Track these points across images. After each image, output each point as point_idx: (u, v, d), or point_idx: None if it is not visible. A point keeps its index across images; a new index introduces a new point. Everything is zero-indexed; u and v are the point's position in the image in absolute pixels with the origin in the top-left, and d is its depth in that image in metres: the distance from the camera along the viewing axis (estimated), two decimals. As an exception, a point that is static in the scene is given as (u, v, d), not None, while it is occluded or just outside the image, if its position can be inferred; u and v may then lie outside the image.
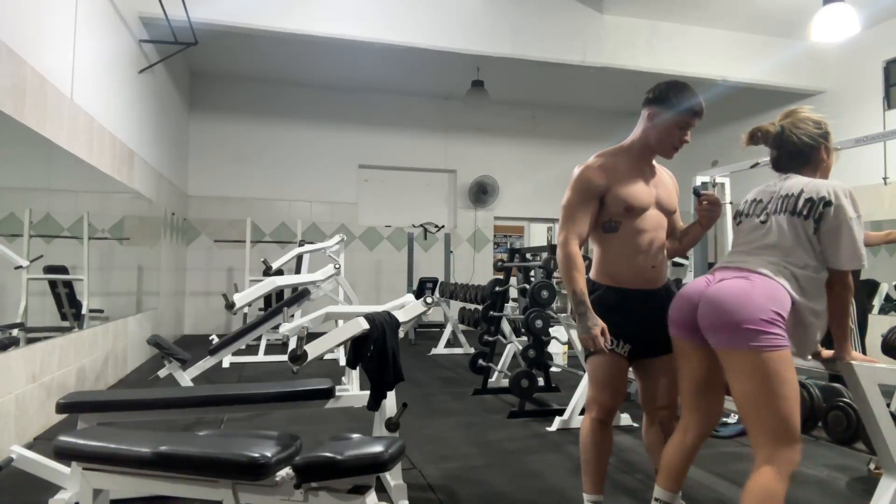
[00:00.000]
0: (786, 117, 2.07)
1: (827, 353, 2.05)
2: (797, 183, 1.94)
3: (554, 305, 4.67)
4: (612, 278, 2.23)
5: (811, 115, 2.05)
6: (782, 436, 1.75)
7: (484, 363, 5.09)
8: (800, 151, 2.01)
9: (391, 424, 2.35)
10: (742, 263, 1.92)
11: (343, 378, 4.15)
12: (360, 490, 1.78)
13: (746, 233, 2.01)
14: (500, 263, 6.87)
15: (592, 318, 2.12)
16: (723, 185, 4.23)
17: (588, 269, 2.27)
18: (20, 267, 3.61)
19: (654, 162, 2.32)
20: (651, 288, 2.23)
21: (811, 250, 1.86)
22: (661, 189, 2.26)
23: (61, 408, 2.50)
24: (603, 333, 2.11)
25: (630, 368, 2.30)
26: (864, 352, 4.61)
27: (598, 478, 2.23)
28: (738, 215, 2.10)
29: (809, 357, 1.96)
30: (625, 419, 4.04)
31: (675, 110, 2.15)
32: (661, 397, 2.24)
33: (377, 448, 1.77)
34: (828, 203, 1.84)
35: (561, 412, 4.06)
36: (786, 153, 2.04)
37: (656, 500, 2.09)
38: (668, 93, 2.17)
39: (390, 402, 2.64)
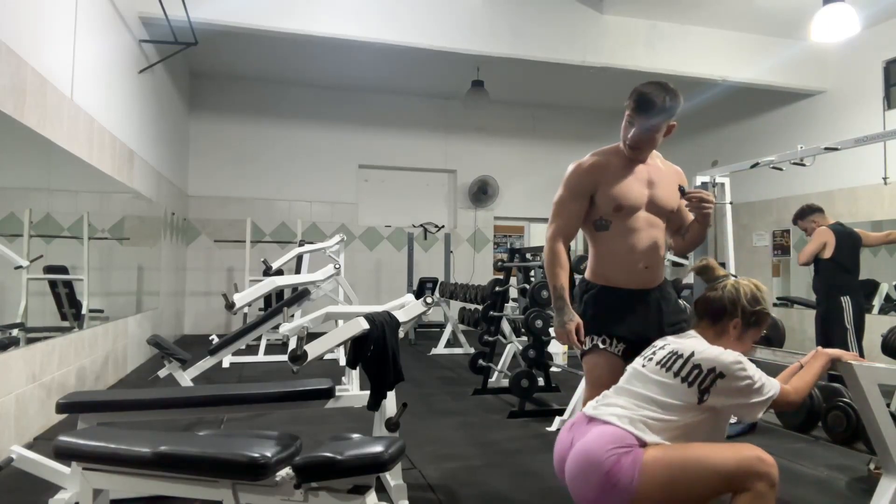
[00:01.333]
0: (741, 279, 2.00)
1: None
2: (691, 345, 1.85)
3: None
4: (606, 278, 2.24)
5: (761, 293, 1.96)
6: (737, 478, 1.66)
7: (484, 363, 5.09)
8: (713, 304, 1.95)
9: (391, 424, 2.35)
10: (599, 414, 1.83)
11: (343, 378, 4.15)
12: (360, 490, 1.78)
13: (629, 374, 1.94)
14: (500, 263, 6.87)
15: (568, 314, 2.16)
16: (723, 185, 4.23)
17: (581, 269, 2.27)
18: (20, 267, 3.61)
19: (660, 161, 2.31)
20: (645, 288, 2.23)
21: (678, 414, 1.76)
22: (660, 188, 2.24)
23: (61, 408, 2.50)
24: (578, 330, 2.14)
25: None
26: (861, 353, 4.62)
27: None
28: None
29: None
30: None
31: (625, 105, 2.16)
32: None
33: (377, 448, 1.77)
34: (717, 374, 1.74)
35: (561, 412, 4.06)
36: (703, 299, 1.99)
37: None
38: (634, 89, 2.15)
39: (390, 402, 2.64)
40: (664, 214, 2.26)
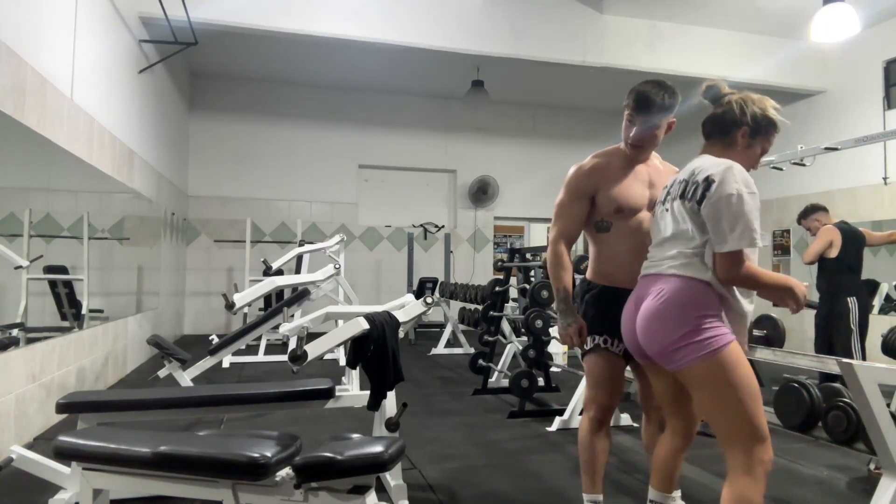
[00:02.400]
0: (756, 95, 1.94)
1: None
2: (695, 164, 1.85)
3: (554, 305, 4.67)
4: (607, 278, 2.24)
5: (763, 99, 1.90)
6: (746, 438, 1.69)
7: (484, 363, 5.09)
8: (718, 119, 1.90)
9: (391, 424, 2.35)
10: (653, 269, 1.89)
11: (343, 378, 4.15)
12: (360, 490, 1.77)
13: (655, 224, 1.97)
14: (500, 263, 6.87)
15: (571, 316, 2.17)
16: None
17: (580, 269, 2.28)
18: (20, 267, 3.61)
19: (659, 162, 2.32)
20: None
21: (704, 234, 1.75)
22: (659, 189, 2.25)
23: (61, 408, 2.49)
24: (581, 332, 2.15)
25: (629, 368, 2.30)
26: (863, 353, 4.60)
27: (597, 477, 2.23)
28: (657, 204, 2.01)
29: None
30: (625, 419, 4.04)
31: (624, 104, 2.17)
32: (659, 396, 2.24)
33: (377, 448, 1.77)
34: (709, 181, 1.72)
35: (561, 412, 4.06)
36: (710, 116, 1.93)
37: (651, 501, 2.10)
38: (633, 88, 2.16)
39: (390, 402, 2.64)
40: None
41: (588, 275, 2.31)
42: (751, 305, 1.82)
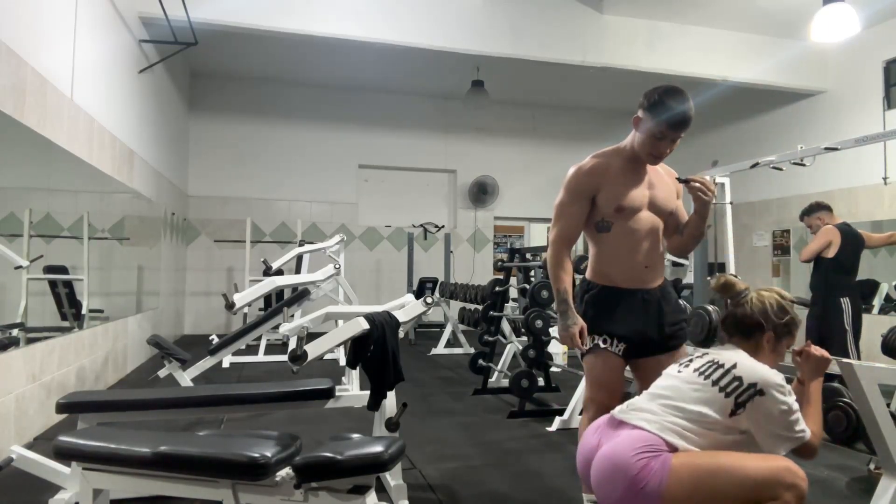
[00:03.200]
0: (761, 289, 1.96)
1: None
2: (729, 357, 1.82)
3: (554, 305, 4.67)
4: (607, 278, 2.24)
5: (784, 299, 1.93)
6: (763, 488, 1.65)
7: (484, 363, 5.09)
8: (740, 322, 1.92)
9: (391, 424, 2.35)
10: (623, 416, 1.83)
11: (343, 378, 4.15)
12: (360, 490, 1.78)
13: (662, 378, 1.93)
14: (500, 263, 6.88)
15: (572, 317, 2.16)
16: (723, 185, 4.23)
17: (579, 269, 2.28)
18: (20, 267, 3.61)
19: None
20: (646, 287, 2.23)
21: (710, 425, 1.73)
22: (659, 190, 2.25)
23: (61, 408, 2.50)
24: (581, 333, 2.15)
25: (628, 368, 2.31)
26: (858, 354, 4.61)
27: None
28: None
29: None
30: (625, 419, 4.03)
31: (655, 120, 2.09)
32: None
33: (377, 448, 1.77)
34: (757, 389, 1.72)
35: (561, 412, 4.06)
36: (731, 317, 1.95)
37: None
38: (657, 100, 2.10)
39: (390, 402, 2.64)
40: (663, 215, 2.26)
41: (588, 275, 2.31)
42: None
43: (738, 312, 1.93)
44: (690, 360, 1.89)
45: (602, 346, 2.19)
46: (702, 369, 1.82)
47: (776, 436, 1.73)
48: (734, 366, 1.78)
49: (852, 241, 4.72)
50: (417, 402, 4.56)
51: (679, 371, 1.87)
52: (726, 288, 1.99)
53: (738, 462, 1.68)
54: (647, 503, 1.65)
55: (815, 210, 4.90)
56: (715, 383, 1.76)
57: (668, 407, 1.77)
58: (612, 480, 1.70)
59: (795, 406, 1.75)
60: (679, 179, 2.28)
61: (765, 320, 1.88)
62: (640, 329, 2.19)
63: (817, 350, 1.95)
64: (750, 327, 1.90)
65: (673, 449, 1.69)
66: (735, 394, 1.73)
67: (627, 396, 4.57)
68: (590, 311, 2.22)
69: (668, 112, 2.07)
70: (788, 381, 1.84)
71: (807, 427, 1.77)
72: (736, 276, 2.02)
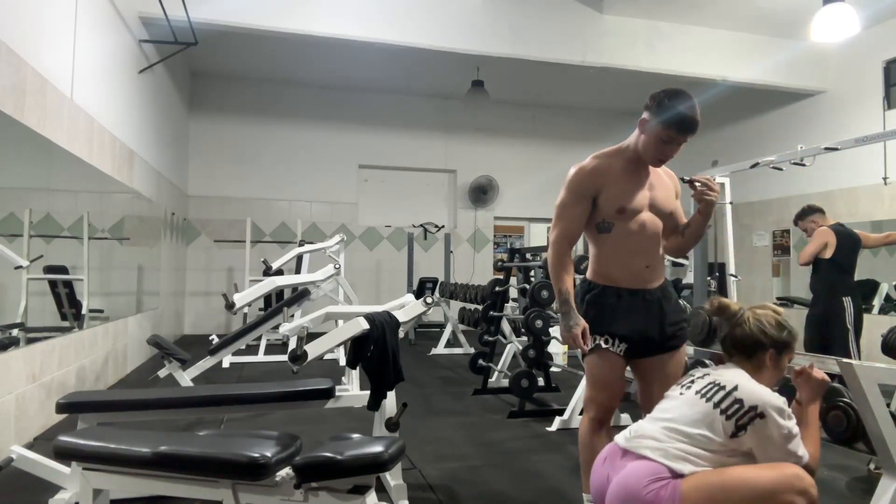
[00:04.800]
0: (755, 307, 1.99)
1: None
2: (730, 377, 1.84)
3: (554, 305, 4.67)
4: (608, 278, 2.24)
5: (781, 317, 1.96)
6: (776, 495, 1.68)
7: (484, 363, 5.09)
8: (739, 342, 1.94)
9: (391, 424, 2.35)
10: (631, 445, 1.83)
11: (343, 378, 4.15)
12: (360, 490, 1.78)
13: (665, 400, 1.95)
14: (500, 263, 6.88)
15: (575, 318, 2.16)
16: (723, 185, 4.23)
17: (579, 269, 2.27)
18: (20, 267, 3.61)
19: None
20: (647, 287, 2.23)
21: (711, 447, 1.75)
22: (659, 190, 2.25)
23: (61, 408, 2.50)
24: (584, 334, 2.14)
25: (629, 368, 2.30)
26: (858, 353, 4.61)
27: (597, 478, 2.23)
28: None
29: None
30: (625, 419, 4.03)
31: (664, 124, 2.08)
32: (659, 397, 2.24)
33: (377, 448, 1.77)
34: (757, 412, 1.74)
35: (561, 412, 4.06)
36: (730, 337, 1.97)
37: None
38: (663, 103, 2.09)
39: (390, 402, 2.64)
40: (664, 216, 2.26)
41: (588, 275, 2.31)
42: None
43: (738, 333, 1.95)
44: (692, 381, 1.91)
45: (603, 346, 2.19)
46: (703, 391, 1.83)
47: (776, 460, 1.75)
48: (735, 388, 1.79)
49: (848, 240, 4.73)
50: (417, 402, 4.56)
51: (681, 393, 1.89)
52: (721, 310, 2.03)
53: (748, 474, 1.70)
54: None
55: (808, 213, 4.92)
56: (716, 406, 1.77)
57: (671, 431, 1.78)
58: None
59: (796, 430, 1.77)
60: (682, 180, 2.28)
61: (764, 338, 1.91)
62: (642, 329, 2.19)
63: (818, 373, 1.97)
64: (750, 347, 1.93)
65: (679, 475, 1.70)
66: (736, 416, 1.75)
67: (627, 397, 4.57)
68: (591, 311, 2.22)
69: (678, 116, 2.06)
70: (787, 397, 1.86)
71: (805, 452, 1.79)
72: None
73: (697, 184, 2.17)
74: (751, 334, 1.92)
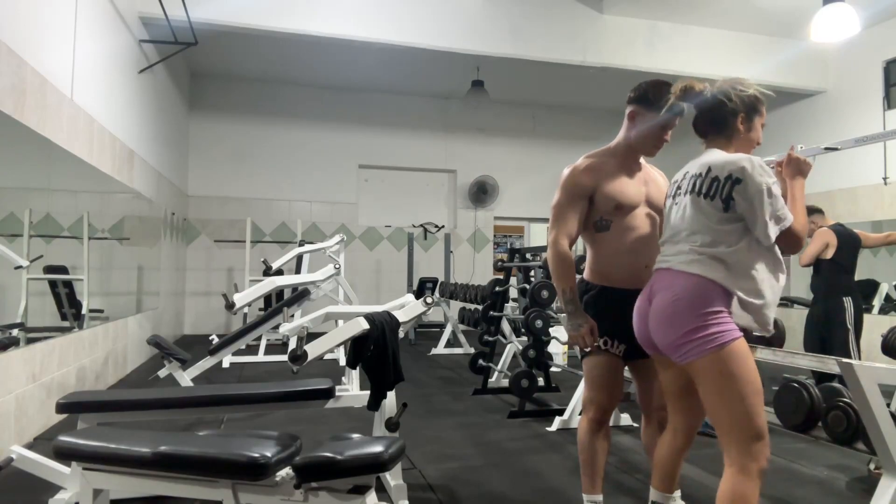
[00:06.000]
0: (721, 80, 1.96)
1: None
2: (706, 160, 1.88)
3: (554, 305, 4.67)
4: (606, 278, 2.24)
5: (743, 80, 1.93)
6: (744, 435, 1.72)
7: (484, 363, 5.09)
8: (710, 111, 1.93)
9: (391, 424, 2.35)
10: (664, 263, 1.92)
11: (343, 378, 4.14)
12: (360, 490, 1.77)
13: (668, 219, 2.01)
14: (500, 263, 6.87)
15: (581, 317, 2.16)
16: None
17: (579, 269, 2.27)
18: (20, 267, 3.61)
19: (642, 161, 2.32)
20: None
21: (720, 231, 1.80)
22: (652, 186, 2.27)
23: (61, 408, 2.50)
24: (591, 333, 2.14)
25: (627, 368, 2.30)
26: (859, 353, 4.61)
27: (596, 478, 2.23)
28: (666, 198, 2.06)
29: (771, 329, 1.88)
30: (625, 419, 4.04)
31: (656, 110, 2.13)
32: (659, 397, 2.23)
33: (377, 448, 1.77)
34: (734, 179, 1.77)
35: (561, 412, 4.06)
36: (699, 112, 1.96)
37: (652, 501, 2.10)
38: (649, 92, 2.16)
39: (390, 402, 2.64)
40: (659, 212, 2.26)
41: (586, 275, 2.31)
42: (782, 277, 1.89)
43: (704, 105, 1.95)
44: (679, 187, 1.95)
45: (603, 347, 2.19)
46: (687, 188, 1.90)
47: (763, 222, 1.76)
48: (709, 170, 1.84)
49: (848, 240, 4.74)
50: (417, 402, 4.56)
51: (676, 203, 1.95)
52: (686, 91, 2.00)
53: (756, 397, 1.74)
54: (702, 348, 1.74)
55: (808, 214, 4.92)
56: (699, 193, 1.84)
57: (686, 236, 1.86)
58: (678, 317, 1.79)
59: (776, 189, 1.78)
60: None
61: (729, 102, 1.90)
62: None
63: (800, 156, 2.01)
64: (720, 117, 1.93)
65: (727, 293, 1.76)
66: (719, 193, 1.80)
67: (628, 396, 4.56)
68: (590, 311, 2.22)
69: (669, 100, 2.09)
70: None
71: (790, 214, 1.82)
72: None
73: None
74: (714, 100, 1.92)
